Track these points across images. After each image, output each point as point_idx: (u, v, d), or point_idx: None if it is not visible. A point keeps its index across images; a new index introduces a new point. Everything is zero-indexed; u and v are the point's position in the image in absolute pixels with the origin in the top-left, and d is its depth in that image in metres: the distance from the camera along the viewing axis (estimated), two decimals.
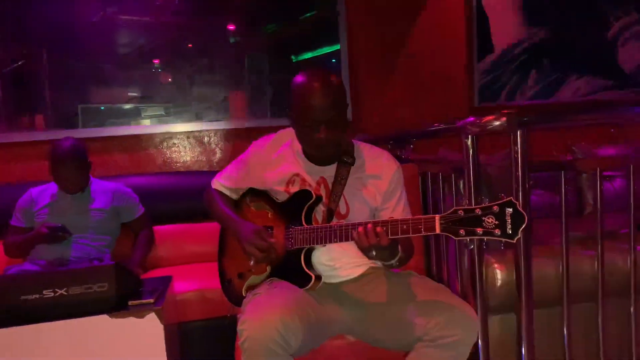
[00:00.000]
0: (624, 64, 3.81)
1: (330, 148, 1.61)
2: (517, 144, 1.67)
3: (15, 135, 3.00)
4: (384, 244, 1.38)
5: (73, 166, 2.37)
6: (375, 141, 1.87)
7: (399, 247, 1.45)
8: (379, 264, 1.73)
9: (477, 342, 1.75)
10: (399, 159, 1.89)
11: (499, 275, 1.85)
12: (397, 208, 1.70)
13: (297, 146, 1.73)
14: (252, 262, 1.64)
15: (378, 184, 1.70)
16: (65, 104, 3.11)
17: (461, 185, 1.94)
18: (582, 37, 3.76)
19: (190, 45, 3.31)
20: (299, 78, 1.60)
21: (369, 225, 1.39)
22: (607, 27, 3.79)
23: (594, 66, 3.77)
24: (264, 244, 1.58)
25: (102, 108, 3.20)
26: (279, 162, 1.72)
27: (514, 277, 1.75)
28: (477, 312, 1.69)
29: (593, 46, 3.78)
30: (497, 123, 1.67)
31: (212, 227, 2.00)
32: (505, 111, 1.67)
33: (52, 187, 2.47)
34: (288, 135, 1.76)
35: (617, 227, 2.12)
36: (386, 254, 1.42)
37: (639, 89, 3.83)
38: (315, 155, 1.67)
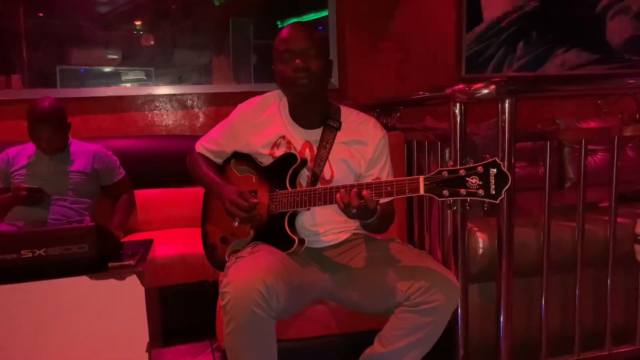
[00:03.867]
0: (612, 39, 3.82)
1: (307, 80, 1.57)
2: (505, 113, 1.67)
3: None
4: (370, 207, 1.37)
5: (51, 126, 2.30)
6: (362, 108, 1.84)
7: (378, 206, 1.44)
8: (361, 229, 1.73)
9: (457, 309, 1.77)
10: (385, 126, 1.88)
11: (480, 243, 1.87)
12: (381, 175, 1.69)
13: (284, 109, 1.70)
14: (235, 224, 1.63)
15: (363, 150, 1.69)
16: (43, 64, 3.01)
17: (447, 154, 1.93)
18: (571, 10, 3.75)
19: (173, 6, 3.21)
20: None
21: (354, 190, 1.38)
22: (595, 0, 3.77)
23: (581, 40, 3.77)
24: (246, 204, 1.56)
25: (82, 70, 3.11)
26: (265, 124, 1.70)
27: (496, 245, 1.77)
28: (458, 279, 1.70)
29: (581, 19, 3.78)
30: (485, 91, 1.66)
31: (194, 192, 1.99)
32: (495, 79, 1.65)
33: (30, 148, 2.40)
34: (275, 97, 1.72)
35: (597, 200, 2.15)
36: (367, 212, 1.41)
37: (626, 63, 3.85)
38: (300, 91, 1.61)
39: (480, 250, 1.87)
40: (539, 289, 1.87)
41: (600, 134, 2.27)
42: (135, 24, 3.19)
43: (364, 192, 1.36)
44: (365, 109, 2.39)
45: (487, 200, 1.27)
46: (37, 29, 2.99)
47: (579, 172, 1.87)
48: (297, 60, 1.56)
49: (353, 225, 1.72)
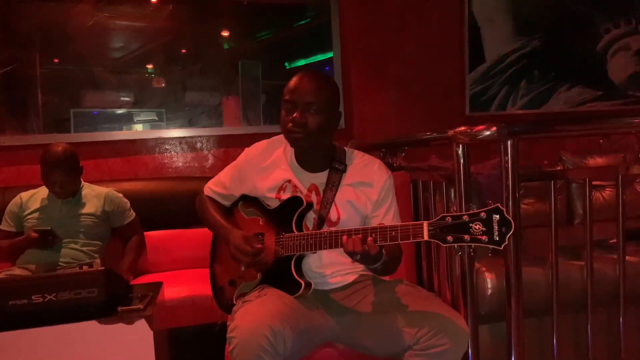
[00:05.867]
0: (614, 75, 3.87)
1: (302, 135, 1.59)
2: (507, 154, 1.69)
3: (7, 139, 2.98)
4: (372, 252, 1.38)
5: (64, 171, 2.35)
6: (367, 148, 1.88)
7: (383, 251, 1.45)
8: (368, 271, 1.73)
9: (468, 351, 1.75)
10: (390, 166, 1.90)
11: (489, 283, 1.86)
12: (387, 216, 1.70)
13: (290, 153, 1.73)
14: (242, 268, 1.64)
15: (369, 192, 1.70)
16: (57, 108, 3.09)
17: (452, 194, 1.95)
18: (573, 48, 3.82)
19: (184, 50, 3.31)
20: None
21: (358, 236, 1.40)
22: (597, 38, 3.85)
23: (584, 77, 3.82)
24: (251, 250, 1.58)
25: (95, 112, 3.19)
26: (271, 168, 1.73)
27: (505, 285, 1.76)
28: (467, 321, 1.69)
29: (583, 57, 3.84)
30: (487, 132, 1.69)
31: (203, 233, 2.00)
32: (496, 121, 1.68)
33: (43, 192, 2.45)
34: (281, 141, 1.76)
35: (607, 237, 2.14)
36: (370, 259, 1.43)
37: (629, 99, 3.89)
38: (294, 144, 1.65)
39: (489, 291, 1.87)
40: (550, 328, 1.85)
41: (605, 173, 2.27)
42: (147, 68, 3.28)
43: (369, 239, 1.38)
44: (371, 149, 2.43)
45: (490, 246, 1.28)
46: (52, 74, 3.08)
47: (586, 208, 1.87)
48: (295, 114, 1.58)
49: (360, 267, 1.72)
